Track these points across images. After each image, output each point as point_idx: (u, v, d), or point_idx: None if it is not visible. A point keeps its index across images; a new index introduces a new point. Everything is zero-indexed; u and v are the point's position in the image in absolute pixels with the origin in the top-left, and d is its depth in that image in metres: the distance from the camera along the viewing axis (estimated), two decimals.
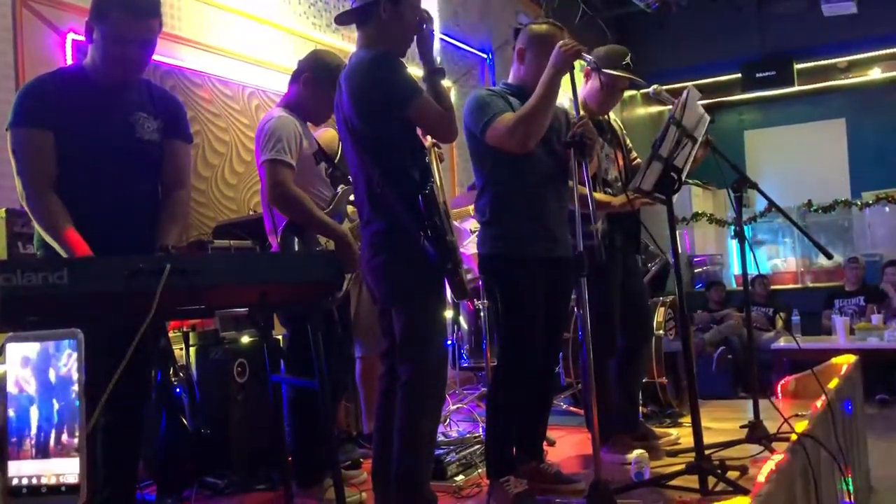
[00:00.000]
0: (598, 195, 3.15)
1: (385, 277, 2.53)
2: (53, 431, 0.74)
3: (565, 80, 2.74)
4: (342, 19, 2.67)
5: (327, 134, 3.41)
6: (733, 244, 9.46)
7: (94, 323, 1.88)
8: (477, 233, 3.44)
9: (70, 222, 2.25)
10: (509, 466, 2.84)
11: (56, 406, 0.74)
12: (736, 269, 9.91)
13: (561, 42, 2.74)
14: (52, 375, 0.75)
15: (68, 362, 0.75)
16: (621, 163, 3.51)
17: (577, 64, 2.78)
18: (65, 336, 0.76)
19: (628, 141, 3.65)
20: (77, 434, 0.73)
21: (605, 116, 3.54)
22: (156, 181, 2.52)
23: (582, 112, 2.83)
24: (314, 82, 2.98)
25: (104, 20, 2.31)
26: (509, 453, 2.88)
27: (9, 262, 2.57)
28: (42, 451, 0.73)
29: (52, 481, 0.72)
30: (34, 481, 0.72)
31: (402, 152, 2.48)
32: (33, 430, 0.74)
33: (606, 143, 3.45)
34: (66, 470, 0.72)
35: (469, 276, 4.39)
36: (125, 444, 2.42)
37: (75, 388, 0.75)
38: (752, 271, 3.46)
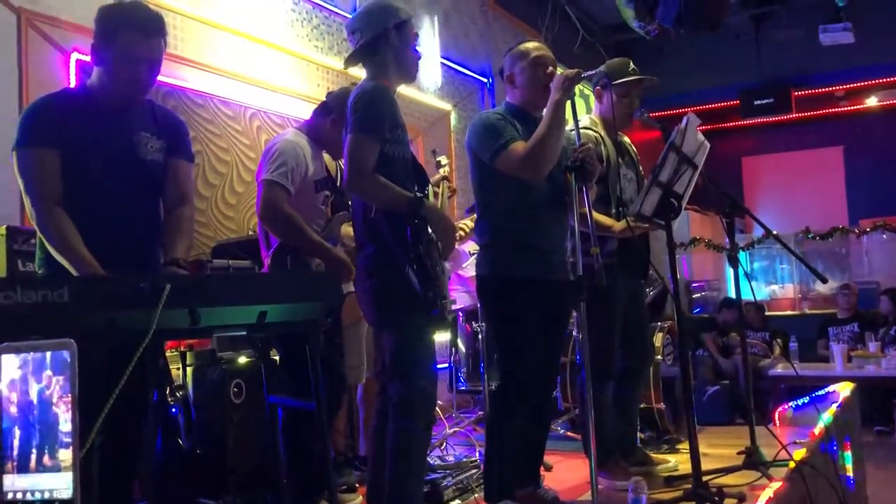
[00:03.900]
0: (601, 217, 3.16)
1: (375, 300, 2.55)
2: (47, 446, 0.73)
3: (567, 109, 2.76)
4: (350, 62, 2.69)
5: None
6: (731, 270, 9.47)
7: (93, 341, 1.88)
8: (476, 255, 3.45)
9: (81, 241, 2.25)
10: (507, 492, 2.82)
11: (49, 420, 0.73)
12: (732, 295, 9.90)
13: (561, 72, 2.78)
14: (45, 388, 0.74)
15: (62, 375, 0.75)
16: (636, 184, 3.52)
17: (578, 90, 2.80)
18: (58, 347, 0.75)
19: (640, 167, 3.65)
20: (70, 448, 0.72)
21: (624, 139, 3.55)
22: (158, 200, 2.53)
23: (595, 132, 2.84)
24: (341, 122, 3.00)
25: (113, 40, 2.33)
26: (507, 478, 2.86)
27: (8, 279, 2.57)
28: (36, 466, 0.72)
29: (46, 496, 0.71)
30: (28, 496, 0.71)
31: (394, 181, 2.48)
32: (27, 444, 0.73)
33: (625, 165, 3.45)
34: (60, 485, 0.71)
35: (467, 299, 4.40)
36: (121, 463, 2.40)
37: (69, 400, 0.74)
38: (748, 297, 3.48)
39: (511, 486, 2.87)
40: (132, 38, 2.32)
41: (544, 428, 3.09)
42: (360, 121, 2.45)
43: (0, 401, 0.74)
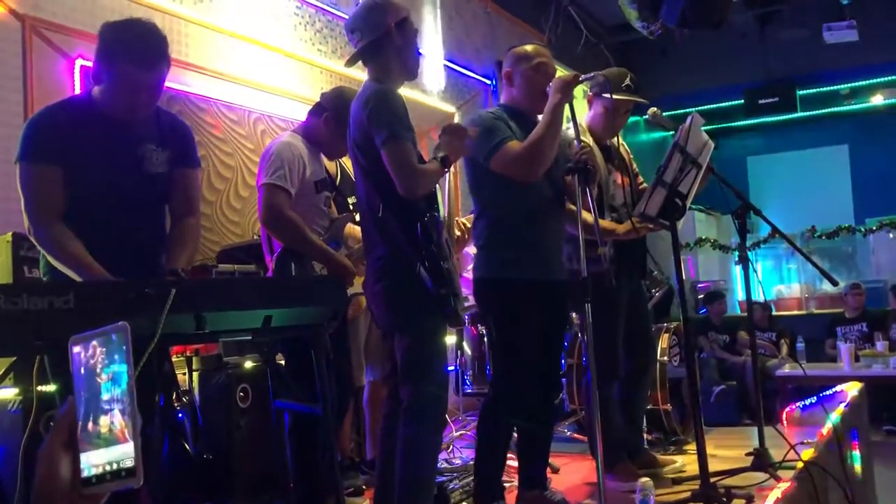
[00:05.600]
0: (603, 222, 3.14)
1: (387, 302, 2.54)
2: (111, 421, 0.79)
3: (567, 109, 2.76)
4: (352, 62, 2.69)
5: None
6: (737, 270, 9.43)
7: None
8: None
9: (82, 247, 2.24)
10: (496, 496, 2.82)
11: (110, 396, 0.79)
12: (740, 295, 9.87)
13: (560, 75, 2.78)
14: (101, 367, 0.80)
15: (118, 354, 0.81)
16: (628, 188, 3.51)
17: (578, 92, 2.80)
18: (115, 330, 0.81)
19: (635, 166, 3.65)
20: (132, 420, 0.78)
21: (614, 141, 3.54)
22: (163, 212, 2.53)
23: (584, 139, 2.84)
24: (335, 121, 3.00)
25: (112, 66, 2.28)
26: (496, 482, 2.86)
27: (15, 285, 2.58)
28: (104, 441, 0.79)
29: (114, 467, 0.77)
30: (99, 470, 0.78)
31: None
32: (94, 422, 0.79)
33: (614, 169, 3.45)
34: (124, 455, 0.77)
35: (472, 301, 4.39)
36: None
37: (127, 377, 0.79)
38: (756, 297, 3.46)
39: (501, 490, 2.87)
40: (130, 69, 2.27)
41: (546, 430, 3.08)
42: (391, 128, 2.44)
43: (76, 389, 0.81)
